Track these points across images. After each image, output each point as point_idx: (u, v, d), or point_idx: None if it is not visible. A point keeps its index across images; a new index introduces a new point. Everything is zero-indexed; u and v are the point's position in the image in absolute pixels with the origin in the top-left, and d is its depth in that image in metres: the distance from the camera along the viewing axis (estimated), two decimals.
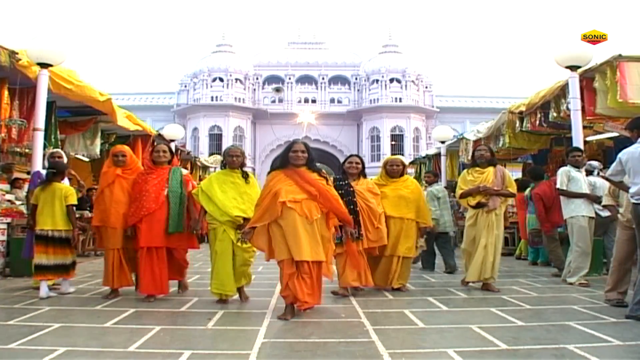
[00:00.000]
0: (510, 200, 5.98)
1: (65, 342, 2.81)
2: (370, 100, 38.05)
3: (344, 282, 4.39)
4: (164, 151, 4.53)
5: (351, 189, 4.48)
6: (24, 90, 6.09)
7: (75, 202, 4.69)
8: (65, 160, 5.42)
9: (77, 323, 3.37)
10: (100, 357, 2.59)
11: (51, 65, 5.71)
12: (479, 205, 4.90)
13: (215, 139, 36.47)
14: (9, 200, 6.72)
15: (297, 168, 3.70)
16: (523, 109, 7.66)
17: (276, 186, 3.62)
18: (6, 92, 5.87)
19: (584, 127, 6.59)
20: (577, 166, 5.51)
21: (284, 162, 3.76)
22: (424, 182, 7.87)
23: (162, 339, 2.93)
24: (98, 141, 8.37)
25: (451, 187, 8.72)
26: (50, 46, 5.61)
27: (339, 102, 39.31)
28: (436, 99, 39.15)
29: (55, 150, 5.68)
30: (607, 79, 5.81)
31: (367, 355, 2.64)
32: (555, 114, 6.86)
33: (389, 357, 2.57)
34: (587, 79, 6.18)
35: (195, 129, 37.08)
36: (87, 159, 9.20)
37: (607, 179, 4.41)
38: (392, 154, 25.91)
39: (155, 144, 6.89)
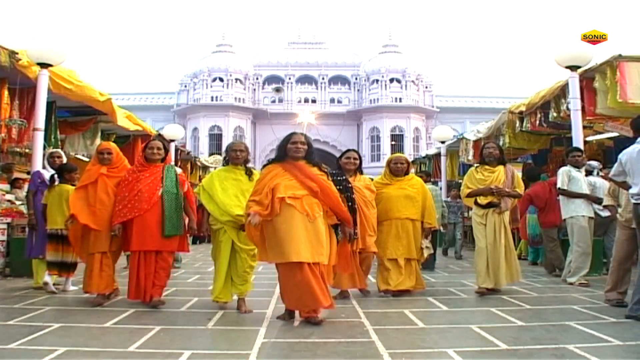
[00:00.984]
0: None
1: (65, 342, 2.81)
2: (370, 100, 38.06)
3: (336, 285, 4.22)
4: (159, 148, 4.16)
5: (350, 185, 4.11)
6: (24, 90, 6.10)
7: None
8: (64, 160, 5.42)
9: (77, 323, 3.36)
10: (100, 357, 2.59)
11: (51, 65, 5.73)
12: (489, 206, 4.65)
13: (215, 139, 36.48)
14: (9, 200, 6.71)
15: (295, 161, 3.43)
16: (523, 109, 7.66)
17: (273, 181, 3.33)
18: (6, 92, 5.87)
19: (584, 127, 6.60)
20: (577, 166, 5.51)
21: (281, 154, 3.48)
22: None
23: (162, 339, 2.93)
24: (98, 141, 8.34)
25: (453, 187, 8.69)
26: (50, 46, 5.63)
27: (339, 102, 39.32)
28: (436, 99, 39.17)
29: (54, 150, 5.65)
30: (607, 79, 5.81)
31: (367, 355, 2.64)
32: (555, 114, 6.86)
33: (389, 357, 2.57)
34: (587, 79, 6.18)
35: (195, 129, 37.08)
36: (87, 159, 9.17)
37: (610, 180, 4.41)
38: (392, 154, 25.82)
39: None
